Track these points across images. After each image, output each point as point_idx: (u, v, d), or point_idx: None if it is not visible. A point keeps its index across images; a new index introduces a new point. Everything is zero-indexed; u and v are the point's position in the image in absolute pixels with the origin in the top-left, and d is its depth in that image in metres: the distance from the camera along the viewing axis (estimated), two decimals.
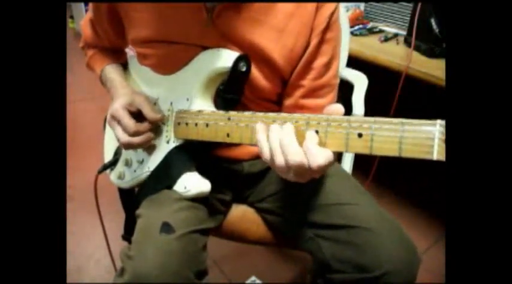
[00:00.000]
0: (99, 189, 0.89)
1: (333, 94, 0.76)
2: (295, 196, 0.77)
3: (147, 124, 0.74)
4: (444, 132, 0.41)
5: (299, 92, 0.73)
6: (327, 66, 0.72)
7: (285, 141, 0.50)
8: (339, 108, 0.50)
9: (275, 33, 0.68)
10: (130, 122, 0.71)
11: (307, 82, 0.72)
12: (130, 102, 0.74)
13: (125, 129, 0.72)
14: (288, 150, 0.50)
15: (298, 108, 0.74)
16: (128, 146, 0.74)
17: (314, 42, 0.69)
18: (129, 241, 0.68)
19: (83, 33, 0.87)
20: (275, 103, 0.78)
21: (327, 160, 0.49)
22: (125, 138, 0.72)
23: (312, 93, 0.73)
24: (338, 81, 0.78)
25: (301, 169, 0.50)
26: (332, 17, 0.69)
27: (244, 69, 0.67)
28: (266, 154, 0.53)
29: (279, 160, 0.51)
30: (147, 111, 0.74)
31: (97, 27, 0.83)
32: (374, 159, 1.19)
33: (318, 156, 0.48)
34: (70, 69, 2.50)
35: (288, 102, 0.75)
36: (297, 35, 0.69)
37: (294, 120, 0.53)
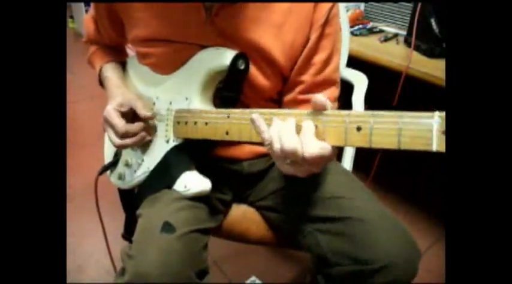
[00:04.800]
0: (99, 189, 0.89)
1: (334, 88, 0.76)
2: (295, 192, 0.77)
3: (138, 124, 0.75)
4: (442, 123, 0.41)
5: (299, 88, 0.73)
6: (327, 61, 0.72)
7: (283, 130, 0.52)
8: (320, 98, 0.51)
9: (274, 30, 0.68)
10: (120, 123, 0.72)
11: (308, 77, 0.72)
12: (121, 103, 0.75)
13: (115, 131, 0.73)
14: (284, 138, 0.51)
15: (297, 103, 0.74)
16: (121, 147, 0.76)
17: (314, 37, 0.69)
18: (129, 241, 0.68)
19: (86, 30, 0.88)
20: (276, 102, 0.78)
21: (321, 151, 0.50)
22: (117, 140, 0.73)
23: (312, 88, 0.73)
24: (339, 76, 0.77)
25: (295, 157, 0.51)
26: (331, 12, 0.69)
27: (242, 67, 0.68)
28: (267, 143, 0.54)
29: (276, 147, 0.52)
30: (139, 109, 0.75)
31: (98, 25, 0.84)
32: (374, 159, 1.19)
33: (312, 145, 0.50)
34: (70, 69, 2.50)
35: (288, 98, 0.75)
36: (296, 30, 0.69)
37: (293, 115, 0.53)
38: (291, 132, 0.51)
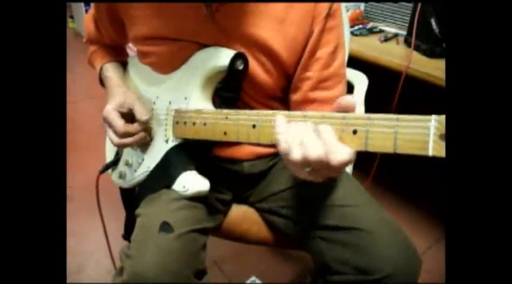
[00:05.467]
0: (100, 188, 0.89)
1: (342, 85, 0.74)
2: (297, 196, 0.77)
3: (138, 124, 0.75)
4: (439, 127, 0.41)
5: (307, 85, 0.72)
6: (333, 55, 0.71)
7: (304, 136, 0.49)
8: (351, 99, 0.48)
9: (275, 24, 0.68)
10: (119, 124, 0.73)
11: (314, 73, 0.71)
12: (121, 103, 0.75)
13: (114, 131, 0.73)
14: (307, 145, 0.48)
15: (307, 102, 0.73)
16: (121, 146, 0.77)
17: (316, 30, 0.68)
18: (129, 241, 0.68)
19: (86, 29, 0.88)
20: (280, 100, 0.78)
21: (349, 157, 0.47)
22: (116, 139, 0.74)
23: (320, 84, 0.72)
24: (346, 71, 0.76)
25: (320, 165, 0.48)
26: (333, 4, 0.69)
27: (241, 67, 0.67)
28: (283, 146, 0.50)
29: (296, 155, 0.49)
30: (137, 111, 0.75)
31: (99, 24, 0.83)
32: (374, 159, 1.19)
33: (341, 152, 0.47)
34: (70, 69, 2.50)
35: (296, 96, 0.74)
36: (299, 24, 0.68)
37: (290, 117, 0.53)
38: (314, 139, 0.48)
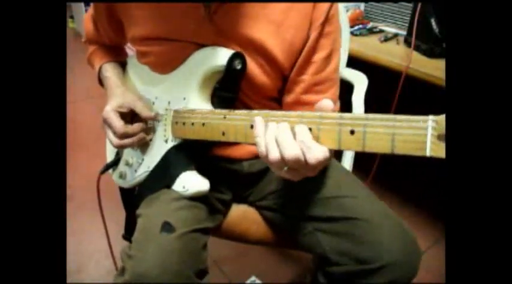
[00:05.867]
0: (100, 189, 0.89)
1: (335, 89, 0.75)
2: (295, 191, 0.77)
3: (138, 125, 0.75)
4: (437, 127, 0.41)
5: (300, 88, 0.73)
6: (327, 60, 0.72)
7: (280, 137, 0.51)
8: (328, 103, 0.51)
9: (273, 27, 0.68)
10: (118, 125, 0.73)
11: (308, 77, 0.72)
12: (121, 104, 0.76)
13: (114, 132, 0.73)
14: (284, 145, 0.50)
15: (299, 104, 0.74)
16: (120, 148, 0.77)
17: (313, 35, 0.69)
18: (130, 241, 0.68)
19: (85, 29, 0.88)
20: (278, 101, 0.78)
21: (325, 155, 0.49)
22: (116, 140, 0.74)
23: (313, 87, 0.73)
24: (339, 76, 0.77)
25: (297, 164, 0.50)
26: (330, 10, 0.69)
27: (239, 67, 0.67)
28: (261, 149, 0.53)
29: (274, 155, 0.51)
30: (140, 110, 0.76)
31: (98, 24, 0.83)
32: (374, 159, 1.19)
33: (317, 151, 0.49)
34: (70, 69, 2.50)
35: (289, 98, 0.75)
36: (296, 28, 0.68)
37: (287, 117, 0.53)
38: (290, 139, 0.50)
